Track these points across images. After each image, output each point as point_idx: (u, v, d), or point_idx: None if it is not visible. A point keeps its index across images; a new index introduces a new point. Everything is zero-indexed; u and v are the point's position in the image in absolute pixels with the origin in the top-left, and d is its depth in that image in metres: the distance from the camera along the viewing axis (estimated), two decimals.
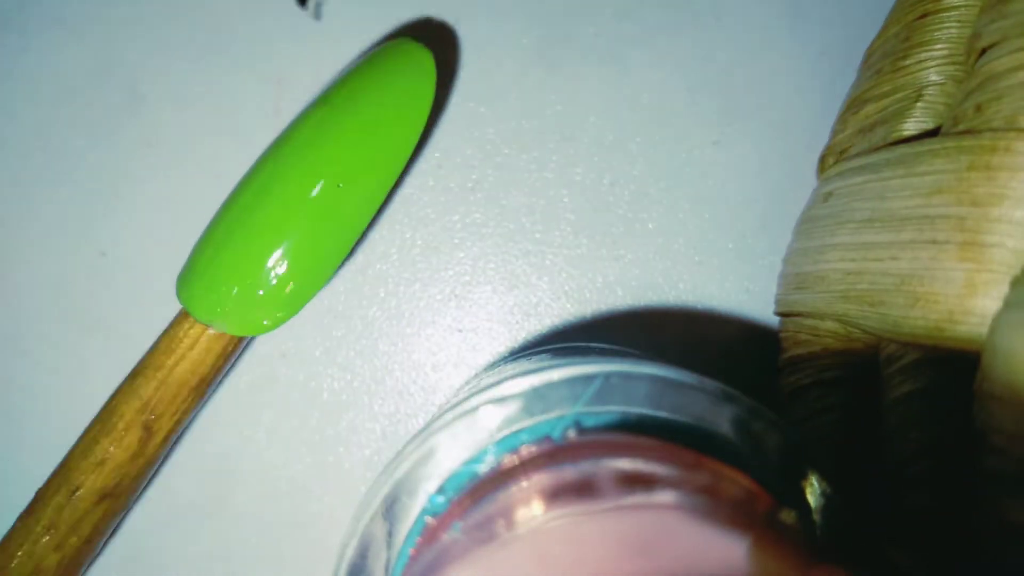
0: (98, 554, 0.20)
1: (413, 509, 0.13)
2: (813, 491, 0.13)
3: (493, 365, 0.22)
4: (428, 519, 0.13)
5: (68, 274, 0.22)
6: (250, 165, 0.19)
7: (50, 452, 0.22)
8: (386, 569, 0.13)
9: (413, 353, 0.22)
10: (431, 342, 0.22)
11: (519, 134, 0.23)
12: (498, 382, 0.13)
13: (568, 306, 0.22)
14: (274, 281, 0.17)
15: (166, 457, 0.21)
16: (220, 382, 0.20)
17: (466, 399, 0.13)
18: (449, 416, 0.13)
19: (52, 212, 0.22)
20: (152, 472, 0.19)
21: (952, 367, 0.15)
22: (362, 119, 0.17)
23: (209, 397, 0.20)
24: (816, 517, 0.13)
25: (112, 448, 0.18)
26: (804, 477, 0.13)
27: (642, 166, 0.23)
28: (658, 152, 0.23)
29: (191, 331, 0.18)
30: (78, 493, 0.18)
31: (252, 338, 0.20)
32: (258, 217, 0.17)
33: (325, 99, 0.18)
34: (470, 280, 0.23)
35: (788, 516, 0.12)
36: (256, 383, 0.22)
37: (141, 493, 0.20)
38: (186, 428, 0.21)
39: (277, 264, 0.17)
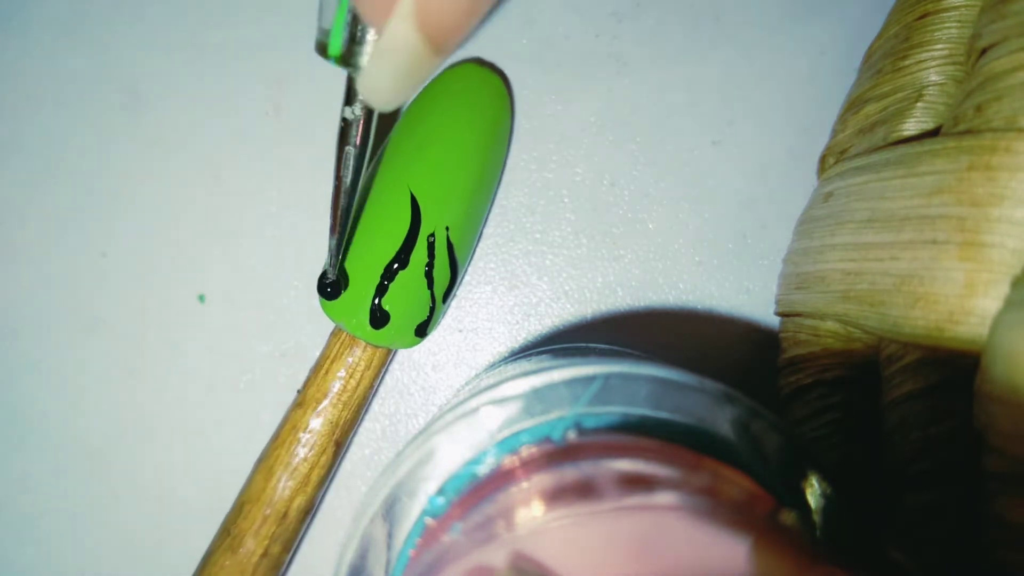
0: None
1: (413, 510, 0.13)
2: (813, 491, 0.13)
3: (493, 365, 0.22)
4: (428, 520, 0.13)
5: (68, 274, 0.22)
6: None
7: (50, 451, 0.22)
8: (386, 570, 0.13)
9: (413, 353, 0.22)
10: (431, 342, 0.22)
11: (519, 134, 0.23)
12: (498, 383, 0.13)
13: (568, 306, 0.22)
14: (433, 295, 0.20)
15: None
16: None
17: (466, 400, 0.13)
18: (449, 417, 0.13)
19: (52, 212, 0.22)
20: None
21: (952, 367, 0.15)
22: (477, 144, 0.21)
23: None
24: (816, 517, 0.13)
25: (313, 470, 0.20)
26: (804, 477, 0.13)
27: (642, 166, 0.23)
28: (658, 152, 0.23)
29: (364, 355, 0.20)
30: (287, 518, 0.20)
31: None
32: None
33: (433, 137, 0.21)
34: (470, 280, 0.23)
35: (788, 517, 0.12)
36: (256, 383, 0.22)
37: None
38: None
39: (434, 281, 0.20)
